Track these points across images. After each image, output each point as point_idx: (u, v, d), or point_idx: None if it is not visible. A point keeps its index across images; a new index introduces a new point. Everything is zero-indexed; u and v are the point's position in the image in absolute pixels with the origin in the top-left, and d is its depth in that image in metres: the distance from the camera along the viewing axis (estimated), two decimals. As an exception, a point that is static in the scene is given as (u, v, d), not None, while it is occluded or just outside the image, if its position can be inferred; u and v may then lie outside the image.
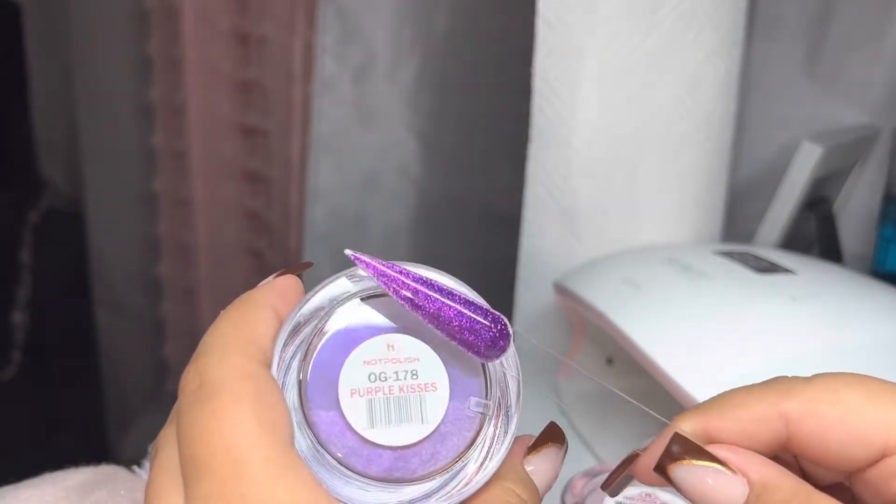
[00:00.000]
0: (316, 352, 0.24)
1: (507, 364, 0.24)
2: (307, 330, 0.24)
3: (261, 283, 0.25)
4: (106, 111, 1.19)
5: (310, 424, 0.23)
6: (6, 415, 1.27)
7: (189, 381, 0.22)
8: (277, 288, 0.24)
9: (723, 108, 0.60)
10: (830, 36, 0.65)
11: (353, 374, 0.23)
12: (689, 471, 0.22)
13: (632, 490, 0.34)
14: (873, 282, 0.51)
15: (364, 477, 0.23)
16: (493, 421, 0.24)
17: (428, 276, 0.24)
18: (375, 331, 0.24)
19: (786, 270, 0.48)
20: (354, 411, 0.23)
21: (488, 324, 0.23)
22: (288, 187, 0.97)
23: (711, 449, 0.22)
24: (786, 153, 0.63)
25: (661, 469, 0.23)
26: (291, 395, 0.23)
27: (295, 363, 0.24)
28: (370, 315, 0.24)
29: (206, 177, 1.06)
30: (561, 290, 0.55)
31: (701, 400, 0.40)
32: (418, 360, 0.24)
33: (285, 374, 0.24)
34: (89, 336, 1.32)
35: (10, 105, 1.37)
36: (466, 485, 0.23)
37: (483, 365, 0.24)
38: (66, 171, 1.37)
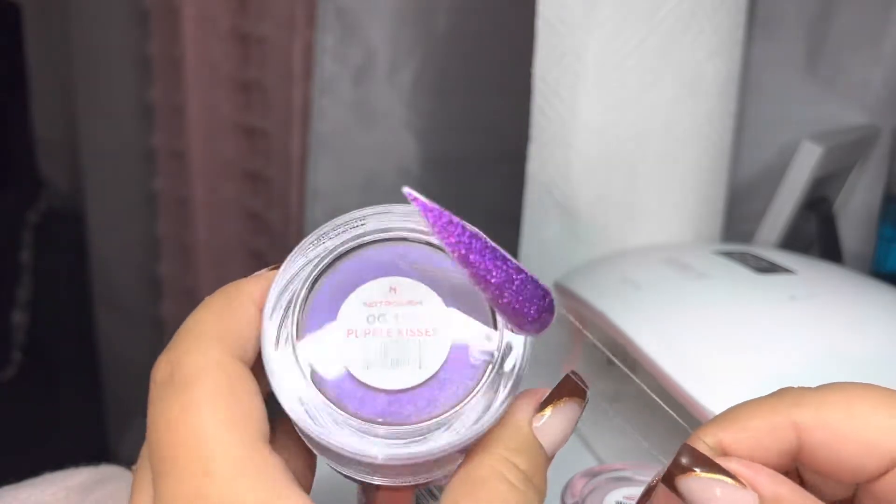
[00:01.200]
0: (318, 290, 0.23)
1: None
2: (308, 269, 0.24)
3: (251, 275, 0.24)
4: (106, 111, 1.19)
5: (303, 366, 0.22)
6: (6, 415, 1.27)
7: (160, 369, 0.22)
8: (267, 282, 0.24)
9: (723, 108, 0.60)
10: (830, 36, 0.65)
11: (351, 314, 0.23)
12: (697, 483, 0.21)
13: (632, 490, 0.34)
14: (873, 282, 0.51)
15: (354, 418, 0.22)
16: (496, 372, 0.23)
17: (485, 237, 0.22)
18: (379, 272, 0.24)
19: (786, 270, 0.48)
20: (350, 352, 0.23)
21: (537, 296, 0.22)
22: (288, 187, 0.97)
23: (722, 462, 0.21)
24: (786, 153, 0.63)
25: (669, 481, 0.22)
26: (291, 340, 0.23)
27: (295, 300, 0.23)
28: (376, 256, 0.24)
29: (206, 177, 1.06)
30: (561, 290, 0.55)
31: (700, 400, 0.40)
32: (421, 303, 0.23)
33: (284, 312, 0.23)
34: (89, 336, 1.32)
35: (10, 105, 1.37)
36: (460, 439, 0.22)
37: (493, 314, 0.23)
38: (66, 171, 1.37)
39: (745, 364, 0.41)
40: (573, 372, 0.24)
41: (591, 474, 0.35)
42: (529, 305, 0.22)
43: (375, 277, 0.24)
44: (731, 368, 0.41)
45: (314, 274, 0.24)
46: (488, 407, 0.22)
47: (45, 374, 1.35)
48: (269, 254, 1.05)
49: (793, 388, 0.23)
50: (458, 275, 0.23)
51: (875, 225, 0.63)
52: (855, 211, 0.67)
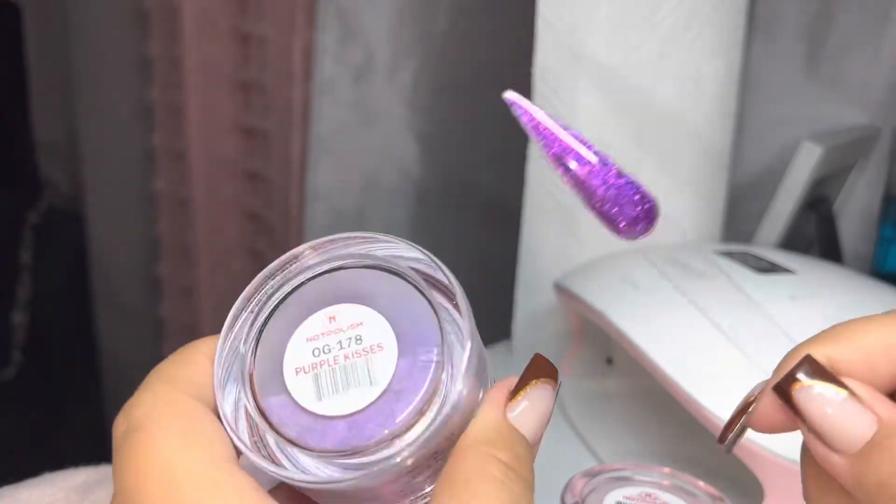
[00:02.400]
0: (258, 343, 0.24)
1: (462, 308, 0.23)
2: (246, 327, 0.24)
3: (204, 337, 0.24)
4: (106, 111, 1.19)
5: (263, 413, 0.23)
6: (6, 415, 1.27)
7: (117, 426, 0.21)
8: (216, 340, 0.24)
9: (723, 108, 0.60)
10: (830, 36, 0.65)
11: (296, 353, 0.23)
12: (815, 396, 0.20)
13: (632, 490, 0.34)
14: (873, 282, 0.51)
15: (323, 452, 0.22)
16: (448, 369, 0.22)
17: (586, 138, 0.22)
18: (314, 307, 0.24)
19: (786, 270, 0.48)
20: (301, 389, 0.23)
21: (635, 201, 0.22)
22: (288, 187, 0.97)
23: (845, 380, 0.20)
24: (786, 153, 0.63)
25: (784, 391, 0.21)
26: (244, 391, 0.23)
27: (240, 359, 0.24)
28: (307, 294, 0.24)
29: (206, 177, 1.06)
30: (561, 290, 0.55)
31: (700, 399, 0.40)
32: (362, 324, 0.23)
33: (232, 372, 0.23)
34: (89, 336, 1.32)
35: (10, 105, 1.37)
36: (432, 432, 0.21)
37: (436, 312, 0.23)
38: (66, 171, 1.37)
39: (745, 364, 0.41)
40: (538, 354, 0.24)
41: (591, 474, 0.35)
42: (629, 210, 0.22)
43: (312, 312, 0.24)
44: (731, 368, 0.41)
45: (258, 324, 0.24)
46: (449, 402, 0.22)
47: (45, 374, 1.35)
48: (269, 254, 1.05)
49: None
50: (391, 287, 0.24)
51: (875, 225, 0.63)
52: (855, 211, 0.67)
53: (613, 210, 0.22)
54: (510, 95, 0.21)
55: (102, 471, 0.37)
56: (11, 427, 1.26)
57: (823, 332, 0.22)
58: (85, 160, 1.24)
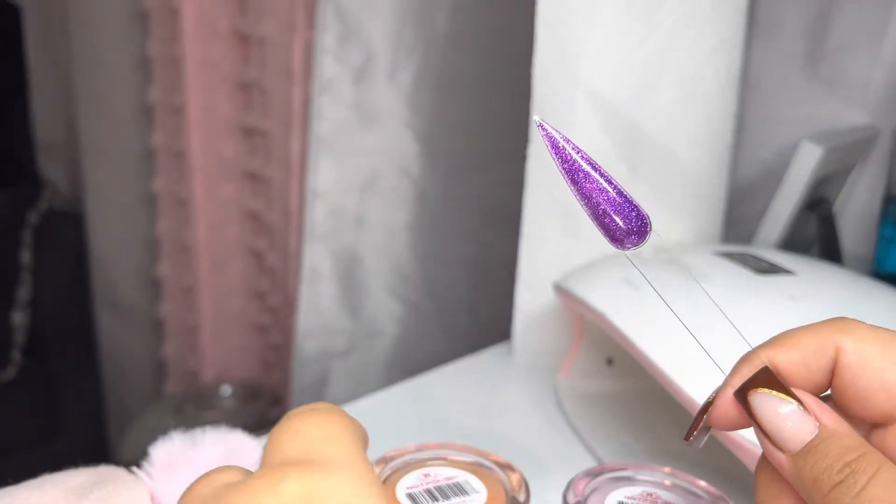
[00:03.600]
0: None
1: None
2: None
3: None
4: (106, 111, 1.19)
5: None
6: (6, 415, 1.27)
7: None
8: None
9: (723, 108, 0.59)
10: (830, 36, 0.65)
11: None
12: (768, 400, 0.24)
13: (633, 490, 0.34)
14: (873, 282, 0.51)
15: None
16: None
17: (595, 161, 0.26)
18: None
19: (786, 271, 0.48)
20: None
21: (632, 217, 0.25)
22: (288, 187, 0.97)
23: (796, 391, 0.24)
24: (786, 153, 0.63)
25: (742, 396, 0.25)
26: None
27: None
28: None
29: (206, 177, 1.06)
30: (561, 290, 0.55)
31: (700, 400, 0.40)
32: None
33: None
34: (89, 336, 1.32)
35: (11, 106, 1.38)
36: None
37: None
38: (66, 171, 1.37)
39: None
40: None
41: (593, 474, 0.35)
42: (624, 224, 0.26)
43: None
44: (730, 368, 0.41)
45: None
46: None
47: (45, 374, 1.35)
48: (269, 254, 1.05)
49: (846, 317, 0.26)
50: None
51: (875, 225, 0.63)
52: (855, 211, 0.67)
53: (611, 223, 0.25)
54: (538, 118, 0.26)
55: (102, 471, 0.37)
56: (11, 427, 1.26)
57: (772, 338, 0.26)
58: (85, 160, 1.24)
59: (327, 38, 0.83)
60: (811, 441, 0.23)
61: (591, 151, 0.58)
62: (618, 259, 0.56)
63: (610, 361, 0.57)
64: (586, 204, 0.25)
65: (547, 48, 0.57)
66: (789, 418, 0.23)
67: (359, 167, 0.88)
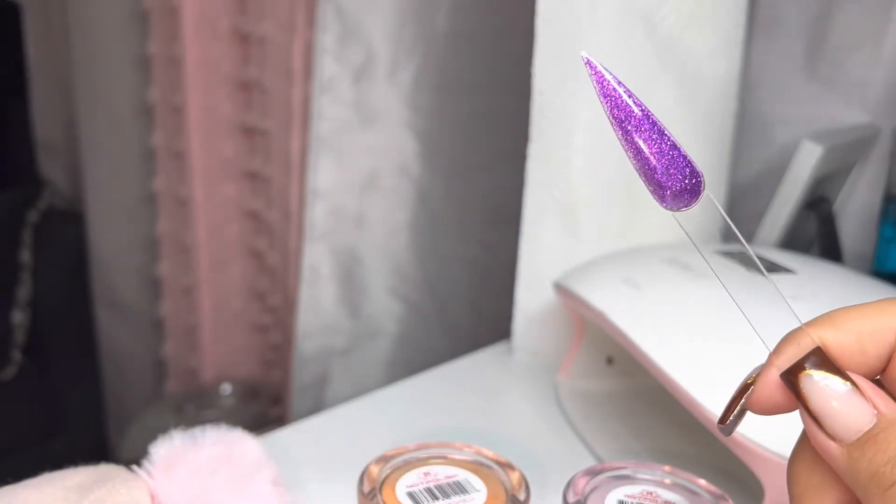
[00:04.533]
0: None
1: None
2: None
3: None
4: (106, 111, 1.19)
5: None
6: (6, 415, 1.27)
7: None
8: None
9: (723, 108, 0.60)
10: (830, 36, 0.65)
11: None
12: (821, 385, 0.22)
13: (633, 488, 0.34)
14: (873, 281, 0.51)
15: None
16: None
17: (648, 109, 0.23)
18: None
19: (786, 270, 0.48)
20: None
21: (685, 173, 0.23)
22: (288, 187, 0.97)
23: (851, 374, 0.22)
24: (786, 153, 0.63)
25: (791, 378, 0.22)
26: None
27: None
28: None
29: (206, 177, 1.06)
30: (561, 290, 0.55)
31: (700, 399, 0.40)
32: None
33: None
34: (89, 336, 1.32)
35: (11, 105, 1.37)
36: None
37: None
38: (66, 171, 1.37)
39: (745, 364, 0.41)
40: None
41: (593, 473, 0.35)
42: (676, 183, 0.23)
43: None
44: (731, 368, 0.41)
45: None
46: None
47: (45, 374, 1.35)
48: (269, 254, 1.05)
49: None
50: None
51: (875, 225, 0.63)
52: (855, 211, 0.67)
53: (663, 179, 0.22)
54: (585, 55, 0.23)
55: (101, 470, 0.37)
56: (11, 427, 1.26)
57: (821, 316, 0.23)
58: (84, 160, 1.24)
59: (327, 38, 0.83)
60: (870, 430, 0.21)
61: (592, 151, 0.58)
62: (618, 259, 0.56)
63: (610, 361, 0.57)
64: (635, 157, 0.22)
65: (547, 48, 0.57)
66: (846, 404, 0.21)
67: (359, 167, 0.88)
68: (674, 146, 0.22)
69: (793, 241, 0.62)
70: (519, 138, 0.60)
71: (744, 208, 0.69)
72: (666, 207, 0.23)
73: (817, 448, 0.22)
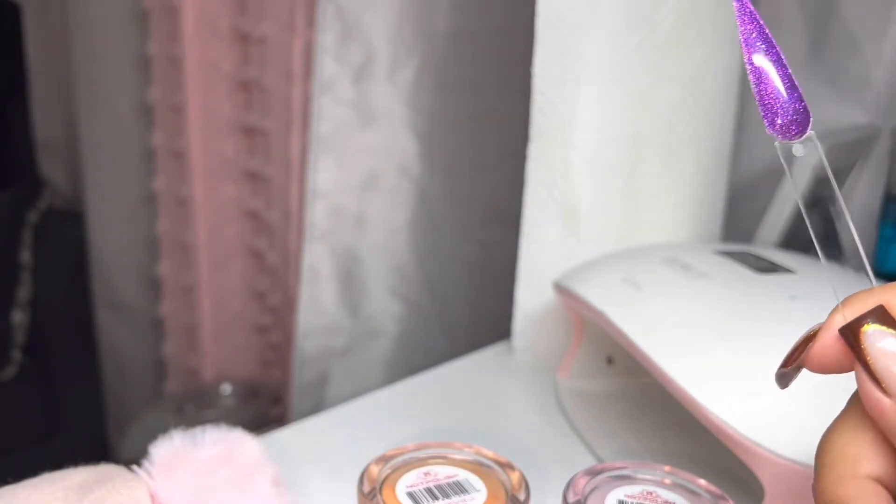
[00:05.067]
0: None
1: None
2: None
3: None
4: (106, 111, 1.19)
5: None
6: (6, 415, 1.27)
7: None
8: None
9: (723, 108, 0.60)
10: (830, 36, 0.65)
11: None
12: (882, 337, 0.22)
13: (633, 488, 0.34)
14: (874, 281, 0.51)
15: None
16: None
17: (774, 41, 0.25)
18: None
19: (786, 270, 0.48)
20: None
21: (796, 108, 0.25)
22: (288, 187, 0.97)
23: None
24: (786, 153, 0.63)
25: (852, 332, 0.22)
26: None
27: None
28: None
29: (206, 177, 1.06)
30: (561, 290, 0.55)
31: (700, 399, 0.40)
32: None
33: None
34: (89, 336, 1.32)
35: (11, 105, 1.38)
36: None
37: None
38: (66, 171, 1.37)
39: (745, 364, 0.41)
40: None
41: (593, 473, 0.35)
42: (786, 114, 0.25)
43: None
44: (731, 368, 0.41)
45: None
46: None
47: (45, 373, 1.35)
48: (269, 254, 1.05)
49: None
50: None
51: (875, 225, 0.63)
52: (855, 211, 0.67)
53: (776, 105, 0.25)
54: None
55: (102, 470, 0.37)
56: (11, 427, 1.26)
57: (890, 283, 0.24)
58: (84, 160, 1.24)
59: (327, 38, 0.83)
60: None
61: (592, 151, 0.58)
62: (618, 259, 0.56)
63: (610, 361, 0.57)
64: (757, 79, 0.24)
65: (547, 48, 0.57)
66: None
67: (359, 167, 0.88)
68: (792, 79, 0.25)
69: (793, 240, 0.62)
70: (519, 138, 0.60)
71: (744, 207, 0.69)
72: (773, 133, 0.25)
73: (869, 406, 0.22)
